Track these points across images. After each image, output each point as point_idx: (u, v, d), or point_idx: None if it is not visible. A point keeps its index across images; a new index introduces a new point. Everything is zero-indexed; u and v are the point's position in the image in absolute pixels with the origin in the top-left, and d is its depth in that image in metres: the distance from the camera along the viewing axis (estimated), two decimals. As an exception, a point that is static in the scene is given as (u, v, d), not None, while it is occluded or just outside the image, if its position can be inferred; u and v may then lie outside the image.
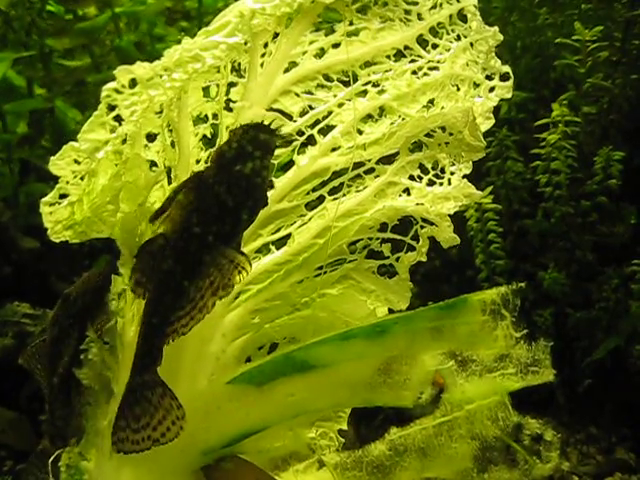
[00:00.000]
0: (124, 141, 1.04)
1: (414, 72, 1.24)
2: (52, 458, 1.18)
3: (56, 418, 1.23)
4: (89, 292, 1.21)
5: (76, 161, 0.98)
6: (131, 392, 1.07)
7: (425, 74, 1.23)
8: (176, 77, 0.94)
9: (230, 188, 1.01)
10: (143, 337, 1.07)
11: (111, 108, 0.95)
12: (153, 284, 1.05)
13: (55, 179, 1.05)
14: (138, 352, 1.08)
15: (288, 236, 1.30)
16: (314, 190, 1.29)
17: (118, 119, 0.96)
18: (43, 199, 1.02)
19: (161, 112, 1.09)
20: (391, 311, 1.34)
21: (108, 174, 1.06)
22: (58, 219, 1.05)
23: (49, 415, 1.25)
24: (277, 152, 1.25)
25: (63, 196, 1.03)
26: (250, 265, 1.06)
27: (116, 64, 0.97)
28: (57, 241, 1.08)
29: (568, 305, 1.95)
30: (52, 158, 0.98)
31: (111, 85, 0.94)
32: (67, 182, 1.01)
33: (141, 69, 0.93)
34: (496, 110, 1.30)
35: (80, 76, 2.46)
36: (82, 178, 1.01)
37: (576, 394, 1.94)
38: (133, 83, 0.95)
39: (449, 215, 1.31)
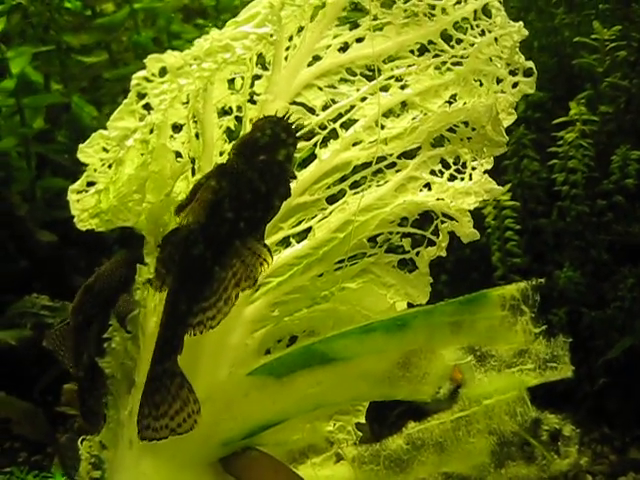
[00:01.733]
0: (151, 131, 1.05)
1: (437, 67, 1.24)
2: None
3: (87, 400, 1.24)
4: (113, 282, 1.21)
5: (104, 149, 0.99)
6: (152, 380, 1.08)
7: (448, 69, 1.23)
8: (205, 67, 0.95)
9: (263, 175, 1.01)
10: (164, 326, 1.08)
11: (140, 96, 0.96)
12: (176, 274, 1.06)
13: (72, 174, 1.06)
14: (159, 340, 1.08)
15: (309, 229, 1.30)
16: (335, 184, 1.30)
17: (147, 108, 0.96)
18: (71, 187, 1.03)
19: (187, 103, 1.10)
20: (410, 305, 1.34)
21: (135, 163, 1.06)
22: (85, 207, 1.06)
23: (79, 398, 1.26)
24: (299, 146, 1.26)
25: (90, 184, 1.04)
26: (272, 257, 1.07)
27: (133, 61, 0.97)
28: (83, 229, 1.09)
29: (583, 304, 1.95)
30: (81, 146, 0.99)
31: (141, 73, 0.95)
32: (95, 170, 1.01)
33: (172, 58, 0.94)
34: (513, 109, 1.30)
35: (97, 72, 2.48)
36: (110, 166, 1.02)
37: (590, 394, 1.94)
38: (162, 72, 0.96)
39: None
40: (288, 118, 1.05)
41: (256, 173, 1.01)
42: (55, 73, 2.41)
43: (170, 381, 1.08)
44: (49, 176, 2.33)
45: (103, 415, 1.20)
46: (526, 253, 1.98)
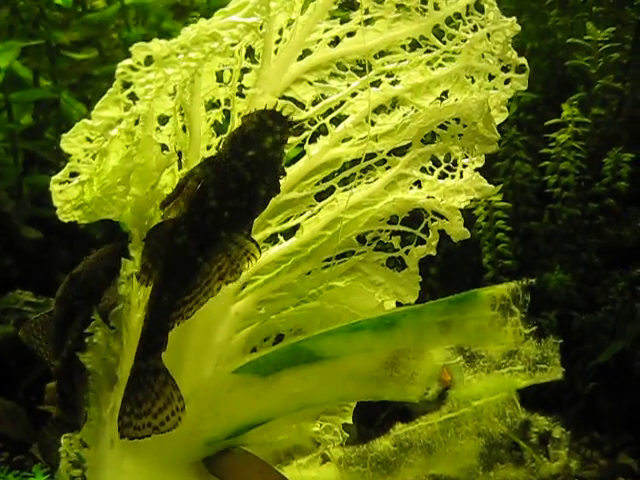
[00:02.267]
0: (137, 122, 1.03)
1: (429, 63, 1.23)
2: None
3: (65, 393, 1.22)
4: (99, 273, 1.20)
5: (88, 139, 0.97)
6: (135, 376, 1.06)
7: (440, 65, 1.22)
8: (192, 56, 0.93)
9: (249, 165, 0.99)
10: (149, 322, 1.06)
11: (126, 86, 0.94)
12: (161, 268, 1.04)
13: (59, 169, 1.04)
14: (143, 336, 1.06)
15: (297, 227, 1.29)
16: (324, 181, 1.28)
17: (132, 97, 0.95)
18: (54, 177, 1.01)
19: (174, 94, 1.08)
20: (399, 304, 1.33)
21: (119, 155, 1.05)
22: (67, 198, 1.04)
23: (58, 389, 1.24)
24: (288, 141, 1.24)
25: (74, 175, 1.02)
26: (259, 252, 1.05)
27: (123, 58, 0.96)
28: (66, 221, 1.07)
29: (573, 308, 1.95)
30: (64, 135, 0.97)
31: (127, 62, 0.93)
32: (78, 160, 0.99)
33: (158, 46, 0.92)
34: (506, 110, 1.29)
35: (86, 69, 2.45)
36: (93, 157, 1.00)
37: (580, 398, 1.93)
38: (149, 61, 0.94)
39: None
40: (278, 110, 1.03)
41: (241, 162, 1.00)
42: (44, 69, 2.39)
43: (154, 378, 1.06)
44: (36, 173, 2.31)
45: (83, 409, 1.17)
46: (517, 255, 1.97)
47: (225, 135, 1.10)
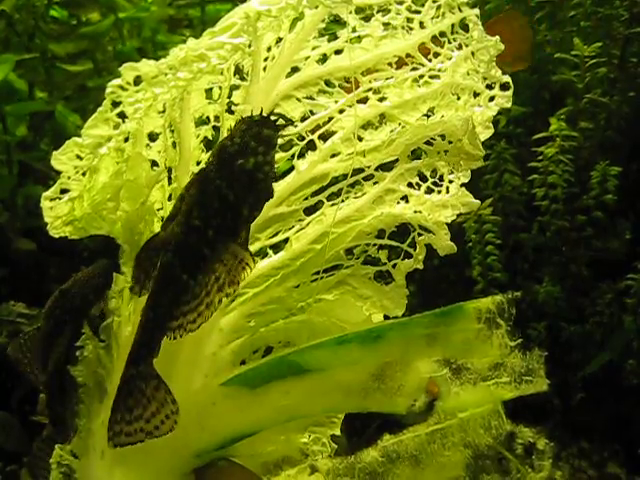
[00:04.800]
0: (126, 139, 1.05)
1: (415, 80, 1.25)
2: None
3: (54, 406, 1.23)
4: (89, 289, 1.21)
5: (78, 156, 0.99)
6: (125, 383, 1.06)
7: (426, 82, 1.24)
8: (181, 76, 0.95)
9: (231, 183, 1.01)
10: (142, 328, 1.06)
11: (115, 105, 0.96)
12: (157, 278, 1.04)
13: (54, 183, 1.06)
14: (136, 343, 1.07)
15: (286, 241, 1.30)
16: (313, 195, 1.30)
17: (122, 116, 0.97)
18: (44, 193, 1.03)
19: (164, 112, 1.10)
20: (387, 318, 1.34)
21: (109, 171, 1.06)
22: (58, 214, 1.05)
23: (47, 404, 1.25)
24: (277, 157, 1.26)
25: (64, 191, 1.03)
26: (254, 262, 1.05)
27: (118, 70, 0.98)
28: (56, 236, 1.08)
29: (562, 319, 1.96)
30: (54, 152, 0.99)
31: (116, 82, 0.95)
32: (68, 177, 1.01)
33: (146, 67, 0.94)
34: (494, 124, 1.31)
35: (81, 81, 2.48)
36: (84, 174, 1.02)
37: (568, 408, 1.95)
38: (138, 81, 0.96)
39: (447, 225, 1.31)
40: (270, 120, 1.04)
41: (224, 181, 1.01)
42: (40, 81, 2.41)
43: (145, 384, 1.06)
44: (31, 184, 2.32)
45: (73, 423, 1.18)
46: (506, 268, 1.99)
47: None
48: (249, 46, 1.10)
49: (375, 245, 1.31)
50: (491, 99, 1.25)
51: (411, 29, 1.22)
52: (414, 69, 1.24)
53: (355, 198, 1.30)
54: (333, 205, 1.29)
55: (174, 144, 1.18)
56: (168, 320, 1.05)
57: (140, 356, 1.06)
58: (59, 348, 1.20)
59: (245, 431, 1.21)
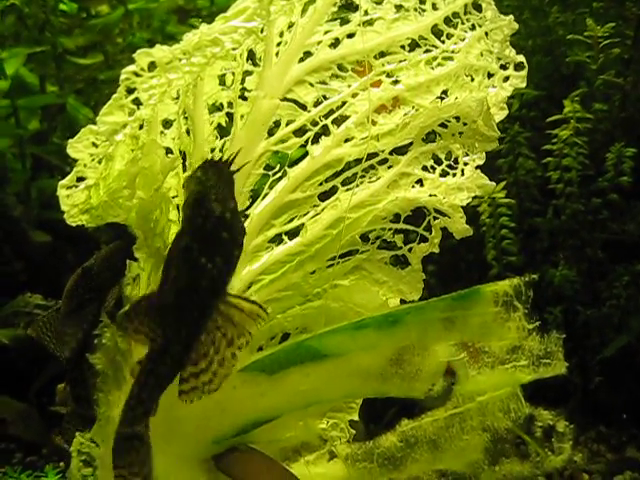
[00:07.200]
0: (141, 126, 1.05)
1: (428, 62, 1.24)
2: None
3: (77, 386, 1.23)
4: (111, 268, 1.20)
5: (94, 144, 0.99)
6: (123, 440, 1.03)
7: (439, 64, 1.23)
8: (195, 61, 0.95)
9: (204, 248, 0.95)
10: (140, 386, 1.01)
11: (130, 91, 0.96)
12: (157, 337, 1.00)
13: (66, 173, 1.06)
14: (133, 399, 1.02)
15: (301, 227, 1.30)
16: (327, 181, 1.29)
17: (136, 102, 0.96)
18: (61, 182, 1.03)
19: (177, 98, 1.10)
20: (403, 302, 1.34)
21: (125, 159, 1.06)
22: (75, 202, 1.05)
23: (69, 384, 1.25)
24: (291, 142, 1.26)
25: (80, 179, 1.03)
26: (265, 311, 1.00)
27: (128, 62, 0.97)
28: (73, 225, 1.09)
29: (578, 303, 1.95)
30: (70, 141, 0.98)
31: (130, 68, 0.95)
32: (85, 165, 1.01)
33: (160, 52, 0.94)
34: (508, 107, 1.30)
35: (92, 74, 2.48)
36: (99, 162, 1.02)
37: (586, 392, 1.94)
38: (152, 67, 0.96)
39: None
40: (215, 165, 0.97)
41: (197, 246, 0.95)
42: (51, 75, 2.41)
43: (140, 444, 1.02)
44: (44, 177, 2.33)
45: (94, 401, 1.18)
46: (521, 251, 1.98)
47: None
48: (262, 31, 1.10)
49: (390, 229, 1.31)
50: (505, 79, 1.24)
51: (424, 11, 1.21)
52: (427, 51, 1.23)
53: (370, 183, 1.30)
54: (348, 190, 1.28)
55: (188, 131, 1.17)
56: (166, 382, 1.02)
57: (136, 415, 1.02)
58: (83, 327, 1.20)
59: (264, 417, 1.21)
